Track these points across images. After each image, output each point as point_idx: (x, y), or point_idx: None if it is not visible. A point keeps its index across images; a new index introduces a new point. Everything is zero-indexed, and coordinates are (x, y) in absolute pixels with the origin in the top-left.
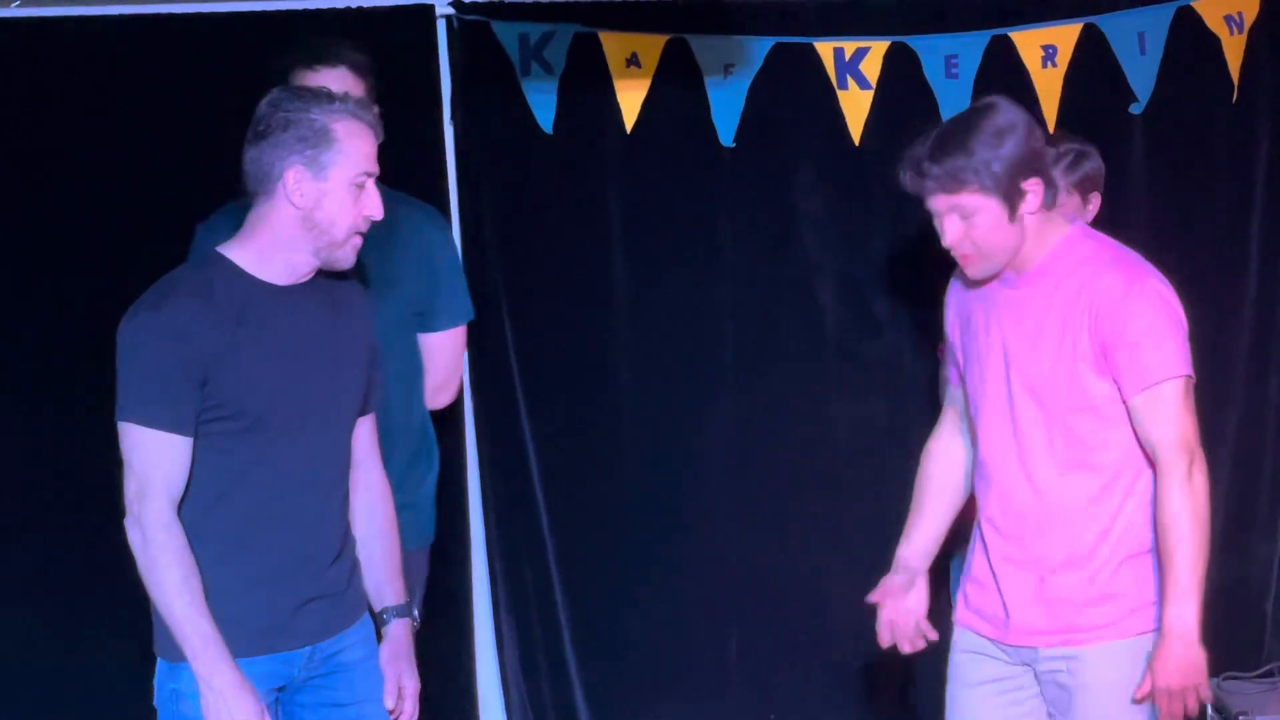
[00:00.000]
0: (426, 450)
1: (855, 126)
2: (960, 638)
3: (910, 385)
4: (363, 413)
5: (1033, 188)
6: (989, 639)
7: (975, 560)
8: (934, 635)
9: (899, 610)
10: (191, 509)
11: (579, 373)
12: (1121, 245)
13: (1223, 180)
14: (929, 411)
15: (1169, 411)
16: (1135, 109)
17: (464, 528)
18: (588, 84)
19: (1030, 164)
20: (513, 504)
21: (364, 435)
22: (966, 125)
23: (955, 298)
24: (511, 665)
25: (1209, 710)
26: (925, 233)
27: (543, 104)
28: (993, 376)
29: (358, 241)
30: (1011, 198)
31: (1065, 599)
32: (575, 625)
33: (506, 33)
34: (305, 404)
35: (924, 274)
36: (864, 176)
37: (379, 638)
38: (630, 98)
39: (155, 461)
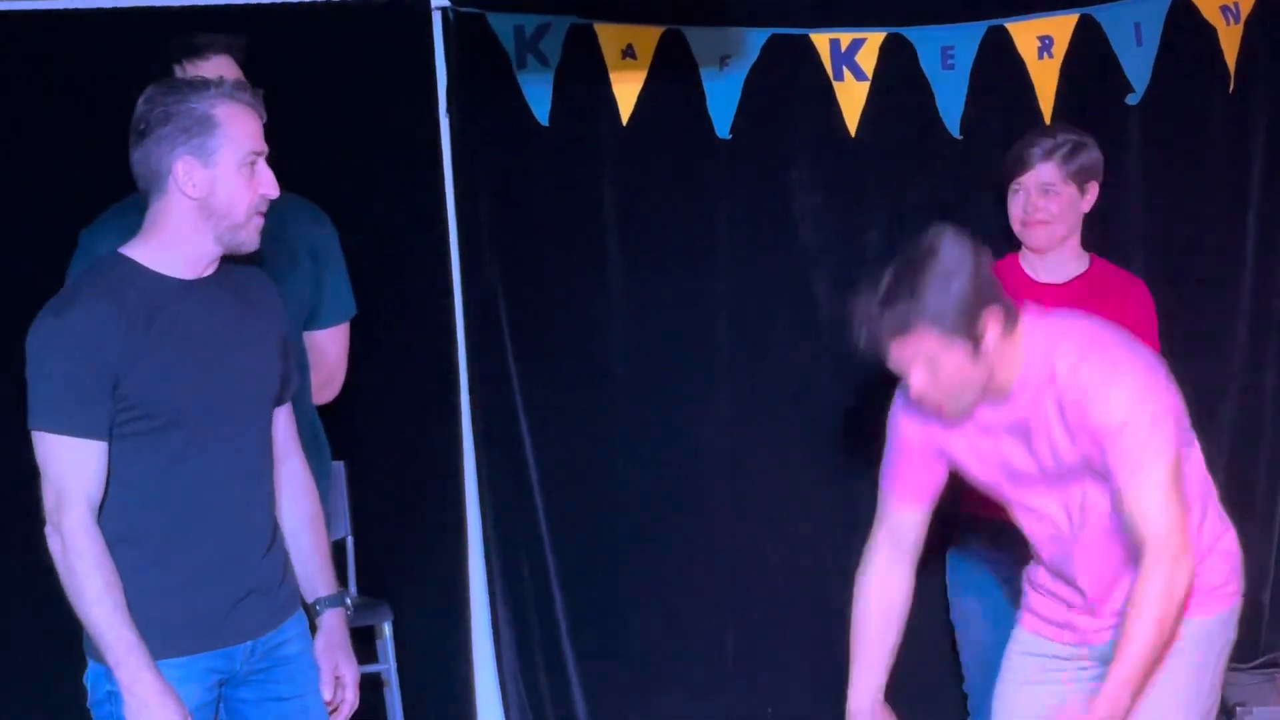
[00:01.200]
0: (317, 450)
1: (851, 118)
2: (1020, 638)
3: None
4: (280, 401)
5: (992, 318)
6: (1052, 640)
7: (1037, 572)
8: None
9: None
10: (120, 512)
11: (575, 365)
12: (1079, 318)
13: (1219, 170)
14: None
15: (1156, 502)
16: (1132, 100)
17: (460, 521)
18: (583, 76)
19: (984, 297)
20: (509, 497)
21: (283, 426)
22: (912, 271)
23: (920, 425)
24: (508, 658)
25: None
26: (921, 224)
27: (538, 96)
28: (1025, 482)
29: (259, 221)
30: (973, 335)
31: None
32: (572, 619)
33: (502, 25)
34: (222, 399)
35: None
36: (860, 168)
37: (312, 629)
38: (626, 89)
39: (71, 468)
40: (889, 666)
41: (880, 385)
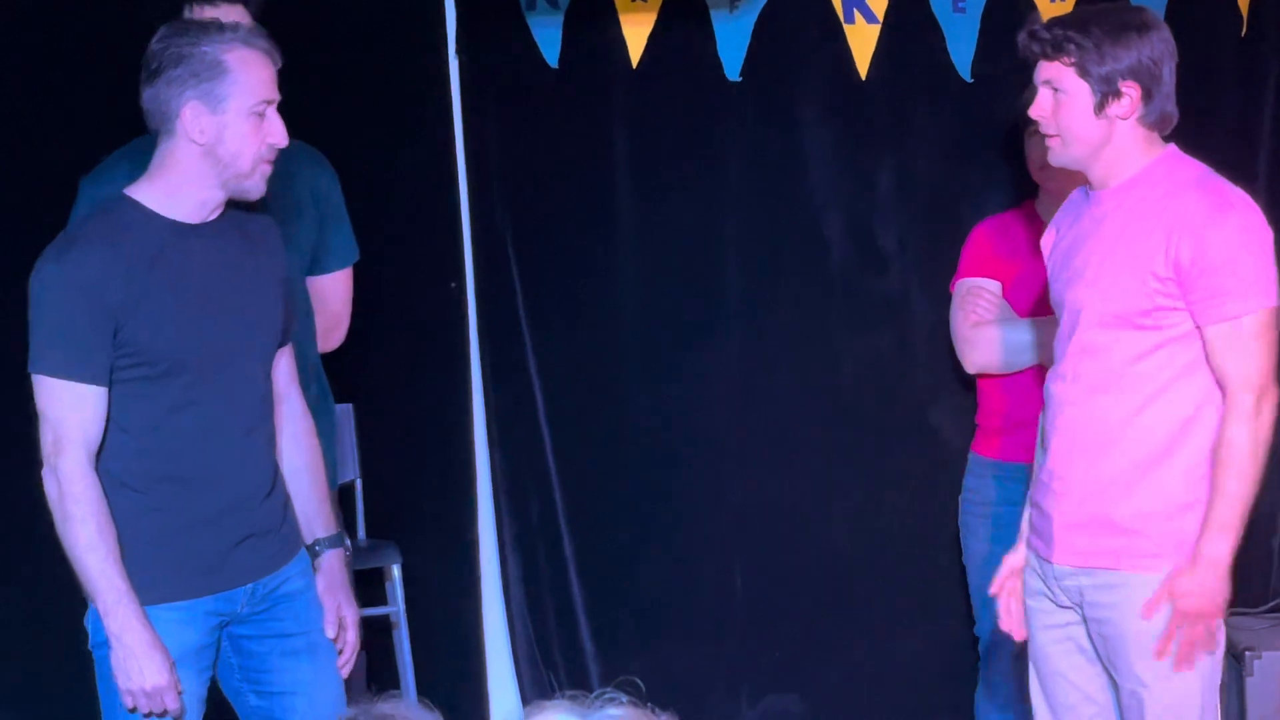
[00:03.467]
0: (322, 395)
1: (862, 61)
2: (1027, 574)
3: (916, 321)
4: (281, 344)
5: (1130, 92)
6: (1040, 559)
7: (1034, 481)
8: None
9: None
10: (119, 456)
11: (584, 308)
12: (1213, 172)
13: (1231, 114)
14: (935, 346)
15: (1242, 345)
16: None
17: (469, 464)
18: (593, 18)
19: (1138, 72)
20: (518, 439)
21: (283, 367)
22: (1104, 11)
23: (1054, 226)
24: (516, 601)
25: None
26: (931, 168)
27: (548, 38)
28: (1071, 293)
29: (266, 170)
30: (1105, 92)
31: (1112, 521)
32: (581, 561)
33: None
34: (223, 344)
35: (930, 210)
36: (870, 111)
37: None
38: (636, 32)
39: (69, 413)
40: None
41: (888, 328)
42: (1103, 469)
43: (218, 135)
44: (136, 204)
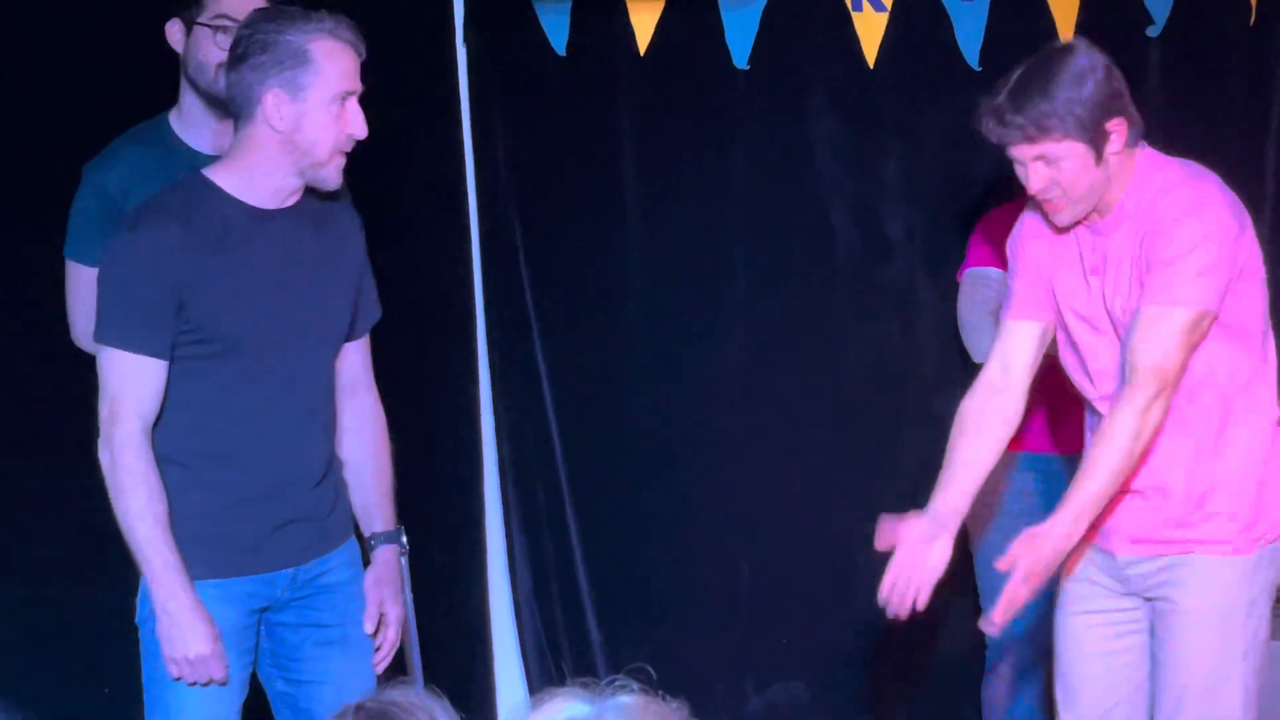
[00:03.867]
0: None
1: (870, 49)
2: (1079, 565)
3: (922, 310)
4: (351, 337)
5: (1116, 128)
6: (1098, 550)
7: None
8: (923, 605)
9: (913, 563)
10: (169, 432)
11: (591, 295)
12: (1193, 166)
13: (1239, 103)
14: (940, 334)
15: (1164, 336)
16: (1152, 32)
17: (476, 451)
18: (601, 6)
19: (1112, 105)
20: (525, 428)
21: (357, 359)
22: (1046, 70)
23: (1032, 239)
24: (524, 590)
25: None
26: (939, 157)
27: (556, 26)
28: (1098, 320)
29: (341, 161)
30: (1096, 140)
31: (1170, 509)
32: (588, 551)
33: None
34: (285, 329)
35: (937, 199)
36: (878, 99)
37: (365, 563)
38: (644, 19)
39: (128, 384)
40: (976, 486)
41: (894, 316)
42: (1163, 455)
43: (296, 123)
44: (212, 184)
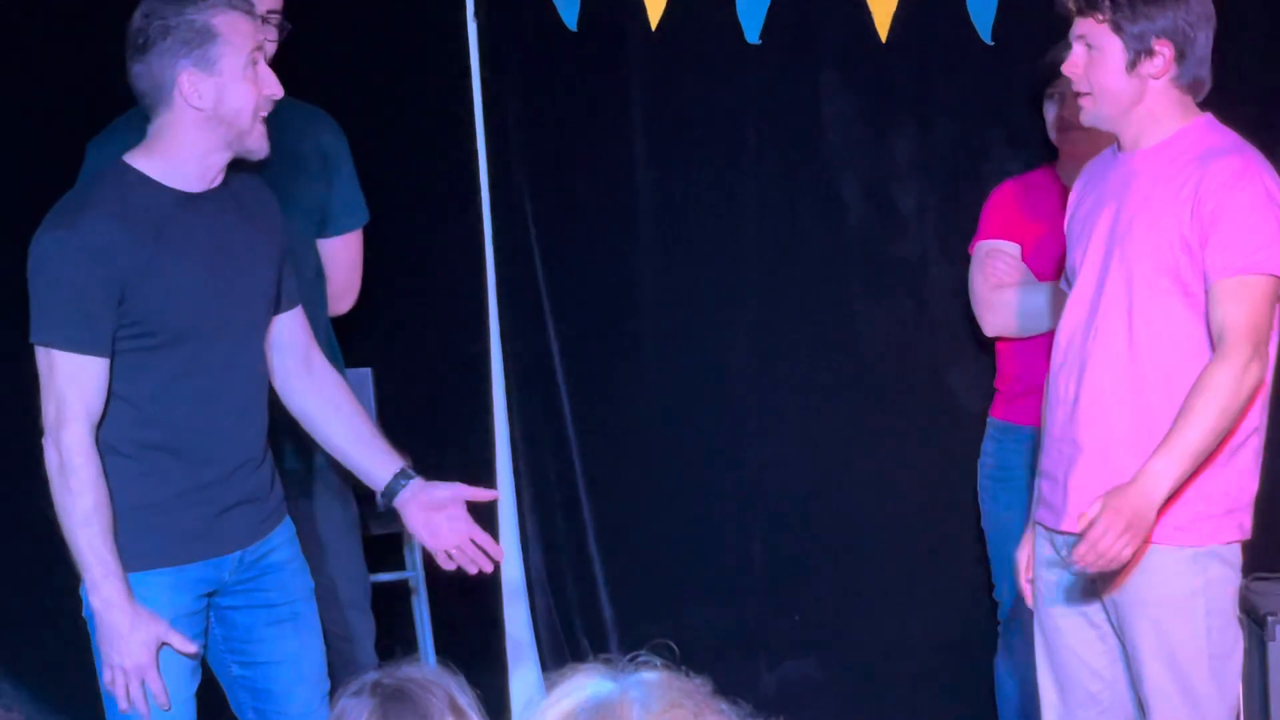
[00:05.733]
0: (333, 359)
1: (882, 23)
2: (1037, 544)
3: (934, 284)
4: (281, 309)
5: (1163, 50)
6: (1051, 530)
7: (1044, 452)
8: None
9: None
10: (115, 425)
11: (603, 271)
12: (1246, 143)
13: (1252, 73)
14: (953, 310)
15: (1249, 300)
16: None
17: (487, 427)
18: None
19: (1173, 33)
20: (536, 403)
21: (298, 328)
22: None
23: (1077, 190)
24: (535, 565)
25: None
26: (951, 131)
27: (567, 1)
28: (1091, 255)
29: (264, 127)
30: (1138, 49)
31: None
32: (599, 528)
33: None
34: (222, 314)
35: (949, 172)
36: (890, 74)
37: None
38: None
39: (73, 384)
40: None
41: (907, 292)
42: (1127, 433)
43: (217, 96)
44: (138, 172)
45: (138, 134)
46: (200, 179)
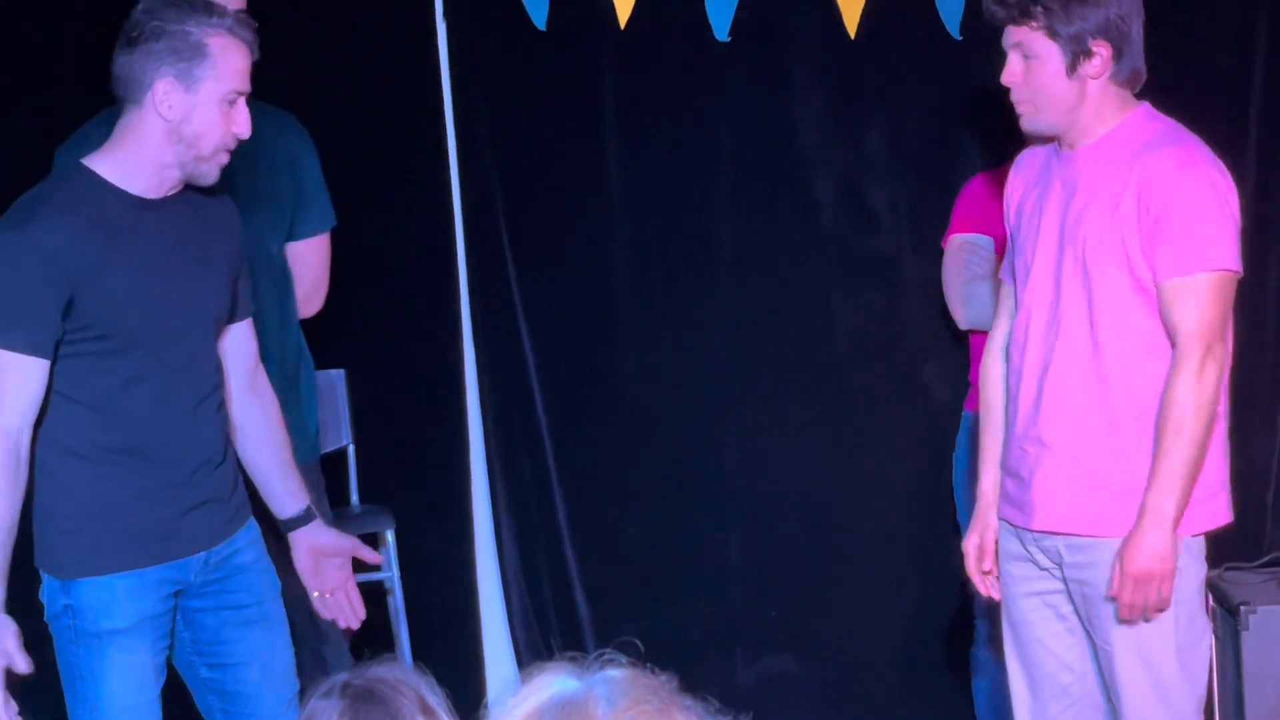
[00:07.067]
0: (303, 361)
1: (851, 20)
2: (1002, 539)
3: (908, 279)
4: (234, 319)
5: (1101, 51)
6: (1018, 528)
7: (1006, 450)
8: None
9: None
10: (73, 427)
11: (576, 272)
12: (1187, 131)
13: (1222, 70)
14: (927, 307)
15: (1195, 300)
16: None
17: (462, 428)
18: None
19: (1108, 30)
20: (511, 405)
21: (246, 341)
22: None
23: (1014, 189)
24: (511, 564)
25: (1210, 601)
26: (921, 126)
27: (535, 1)
28: (1043, 253)
29: (223, 159)
30: (1076, 52)
31: (1093, 484)
32: (575, 526)
33: None
34: (176, 319)
35: (921, 168)
36: (860, 70)
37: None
38: None
39: (8, 382)
40: None
41: (881, 288)
42: (1091, 430)
43: (186, 114)
44: (95, 175)
45: (106, 139)
46: (154, 187)
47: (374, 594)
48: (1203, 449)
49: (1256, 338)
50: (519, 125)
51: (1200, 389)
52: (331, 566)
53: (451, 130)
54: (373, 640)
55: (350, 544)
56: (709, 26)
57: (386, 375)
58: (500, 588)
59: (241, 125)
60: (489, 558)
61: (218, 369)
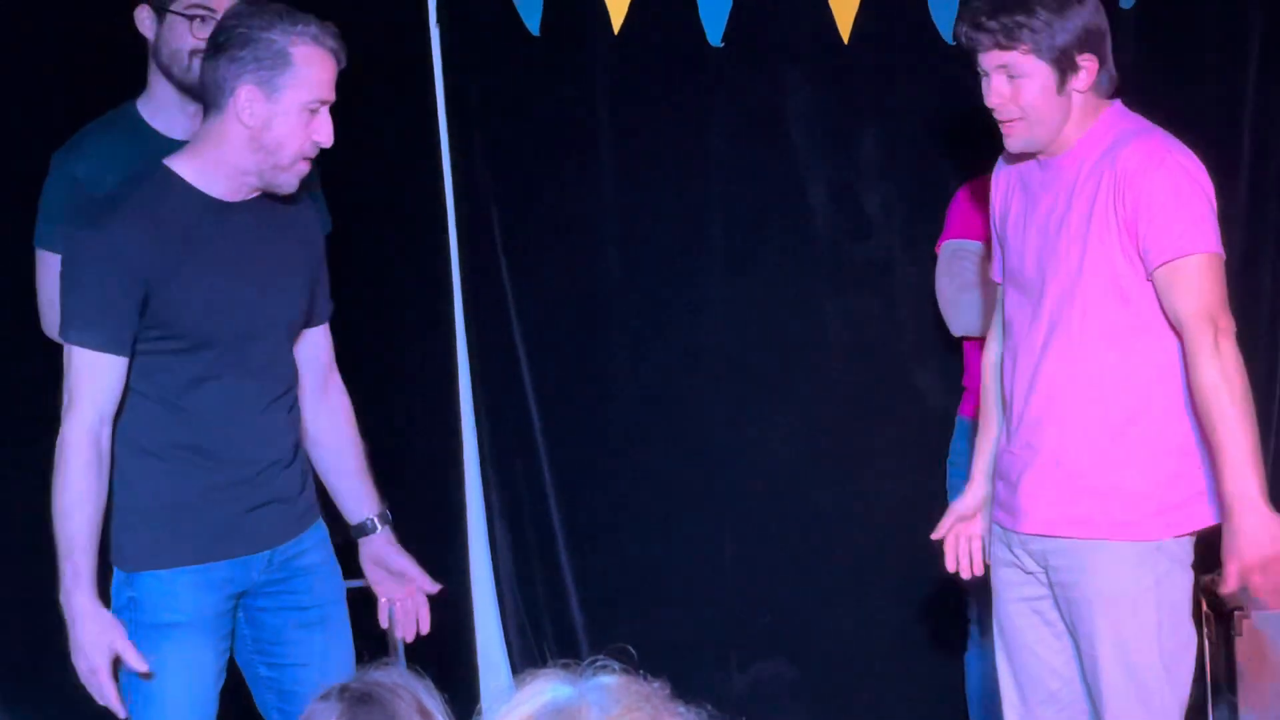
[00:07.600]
0: None
1: (844, 24)
2: (993, 545)
3: (900, 285)
4: (312, 323)
5: (1087, 64)
6: (1007, 529)
7: (1000, 453)
8: (980, 570)
9: (968, 533)
10: (143, 424)
11: (569, 275)
12: (1154, 125)
13: (1215, 72)
14: (920, 313)
15: (1190, 284)
16: (1125, 4)
17: (455, 433)
18: None
19: (1089, 40)
20: (504, 410)
21: (322, 345)
22: None
23: (998, 190)
24: (505, 569)
25: (1203, 606)
26: (915, 131)
27: (529, 6)
28: (1029, 260)
29: (303, 168)
30: (1064, 68)
31: (1079, 488)
32: (569, 532)
33: None
34: (250, 321)
35: (914, 173)
36: (853, 75)
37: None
38: None
39: (86, 378)
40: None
41: (873, 292)
42: (1081, 435)
43: (266, 122)
44: (176, 176)
45: (107, 144)
46: (233, 191)
47: (369, 600)
48: (1251, 417)
49: (1249, 341)
50: (512, 130)
51: (1223, 363)
52: (395, 578)
53: (445, 134)
54: (367, 646)
55: (413, 571)
56: (702, 31)
57: (380, 381)
58: (494, 593)
59: (324, 134)
60: (483, 563)
61: (292, 371)
